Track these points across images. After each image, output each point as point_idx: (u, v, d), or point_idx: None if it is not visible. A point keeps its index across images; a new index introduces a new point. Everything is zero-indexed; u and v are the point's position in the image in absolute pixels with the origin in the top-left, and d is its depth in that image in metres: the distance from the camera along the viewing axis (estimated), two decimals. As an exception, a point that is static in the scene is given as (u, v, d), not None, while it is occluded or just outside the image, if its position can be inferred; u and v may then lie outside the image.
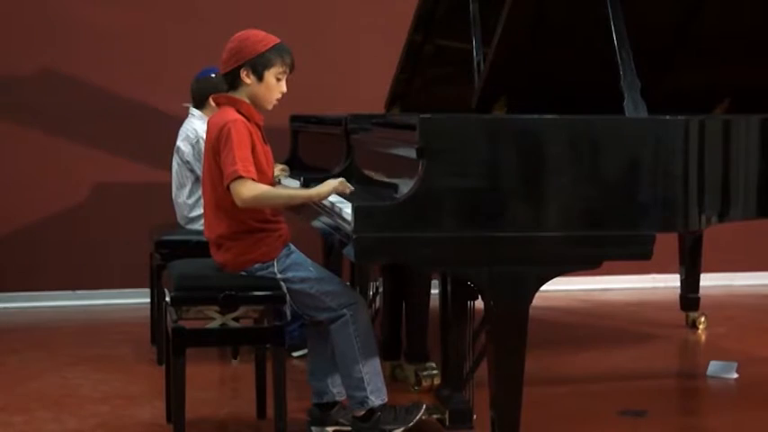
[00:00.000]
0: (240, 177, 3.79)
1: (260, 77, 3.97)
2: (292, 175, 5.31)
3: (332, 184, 3.87)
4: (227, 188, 3.84)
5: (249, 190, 3.80)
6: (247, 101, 4.00)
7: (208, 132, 4.03)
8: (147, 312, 5.71)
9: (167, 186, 5.61)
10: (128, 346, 5.70)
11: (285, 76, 4.03)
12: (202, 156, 4.20)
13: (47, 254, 6.82)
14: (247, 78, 3.97)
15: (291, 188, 4.16)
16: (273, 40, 4.01)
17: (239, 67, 3.96)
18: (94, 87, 6.80)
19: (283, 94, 4.06)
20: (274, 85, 4.00)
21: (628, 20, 3.87)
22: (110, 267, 6.84)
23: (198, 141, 5.30)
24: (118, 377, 5.06)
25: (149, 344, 5.58)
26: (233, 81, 4.01)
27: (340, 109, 5.53)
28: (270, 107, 4.07)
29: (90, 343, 5.81)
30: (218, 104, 4.09)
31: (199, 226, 4.95)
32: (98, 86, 6.80)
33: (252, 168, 3.84)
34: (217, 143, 3.89)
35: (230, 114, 3.94)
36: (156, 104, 6.81)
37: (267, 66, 3.97)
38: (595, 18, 3.90)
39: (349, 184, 3.89)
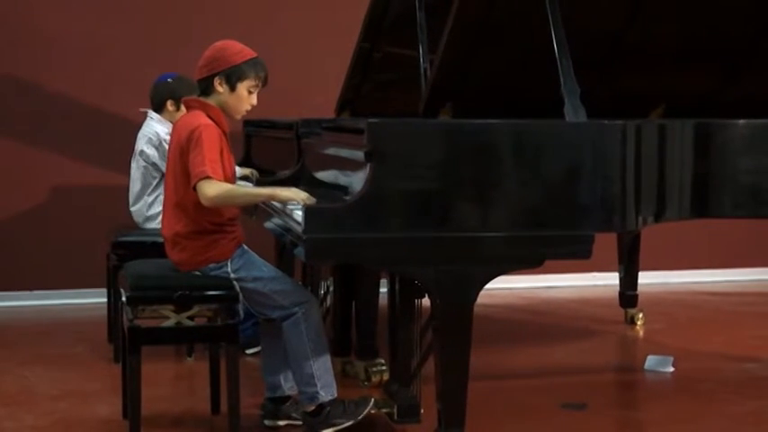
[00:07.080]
0: (208, 178, 3.83)
1: (233, 88, 4.03)
2: (246, 179, 5.34)
3: (296, 193, 3.84)
4: (194, 187, 3.87)
5: (215, 189, 3.83)
6: (218, 108, 4.05)
7: (175, 132, 4.06)
8: (104, 312, 5.70)
9: (124, 188, 5.62)
10: (85, 344, 5.69)
11: (257, 90, 4.08)
12: (167, 155, 4.23)
13: (4, 254, 6.78)
14: (220, 87, 4.02)
15: (253, 187, 4.23)
16: (250, 53, 4.06)
17: (214, 75, 4.02)
18: (50, 91, 6.79)
19: (252, 107, 4.11)
20: (245, 97, 4.05)
21: (567, 29, 3.92)
22: (67, 268, 6.80)
23: (161, 143, 5.33)
24: (75, 375, 5.07)
25: (106, 342, 5.56)
26: (206, 87, 4.06)
27: (292, 114, 5.58)
28: (238, 117, 4.13)
29: (47, 342, 5.81)
30: (188, 107, 4.13)
31: (156, 224, 4.97)
32: (54, 90, 6.80)
33: (220, 171, 3.90)
34: (186, 144, 3.93)
35: (202, 119, 3.98)
36: (112, 108, 6.80)
37: (241, 78, 4.02)
38: (537, 26, 3.95)
39: (312, 199, 3.84)
